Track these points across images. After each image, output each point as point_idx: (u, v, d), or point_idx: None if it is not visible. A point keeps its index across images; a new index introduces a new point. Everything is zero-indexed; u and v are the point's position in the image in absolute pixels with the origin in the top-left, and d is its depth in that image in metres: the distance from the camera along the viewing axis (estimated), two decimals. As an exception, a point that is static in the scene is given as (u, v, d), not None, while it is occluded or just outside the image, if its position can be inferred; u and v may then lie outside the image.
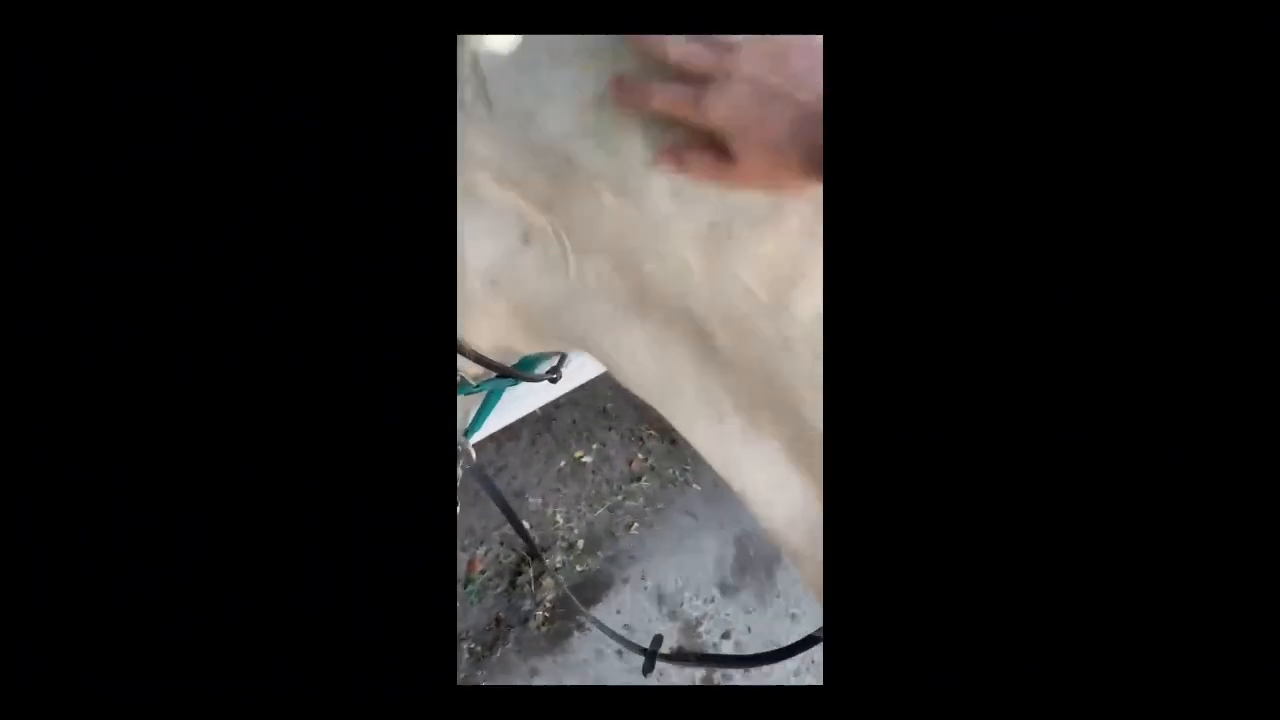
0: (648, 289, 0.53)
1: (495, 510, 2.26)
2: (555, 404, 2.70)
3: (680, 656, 0.82)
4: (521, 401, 1.50)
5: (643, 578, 2.13)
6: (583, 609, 0.84)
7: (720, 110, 0.42)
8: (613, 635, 0.84)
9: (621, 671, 1.87)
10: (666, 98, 0.45)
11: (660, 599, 2.09)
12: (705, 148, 0.45)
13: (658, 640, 0.83)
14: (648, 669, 0.80)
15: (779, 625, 2.02)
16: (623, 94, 0.46)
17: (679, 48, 0.44)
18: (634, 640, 0.84)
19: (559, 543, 2.22)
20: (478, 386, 0.68)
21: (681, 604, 2.08)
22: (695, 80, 0.43)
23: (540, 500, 2.40)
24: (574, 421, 2.83)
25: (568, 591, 0.93)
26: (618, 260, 0.53)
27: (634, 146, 0.48)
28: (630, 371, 0.58)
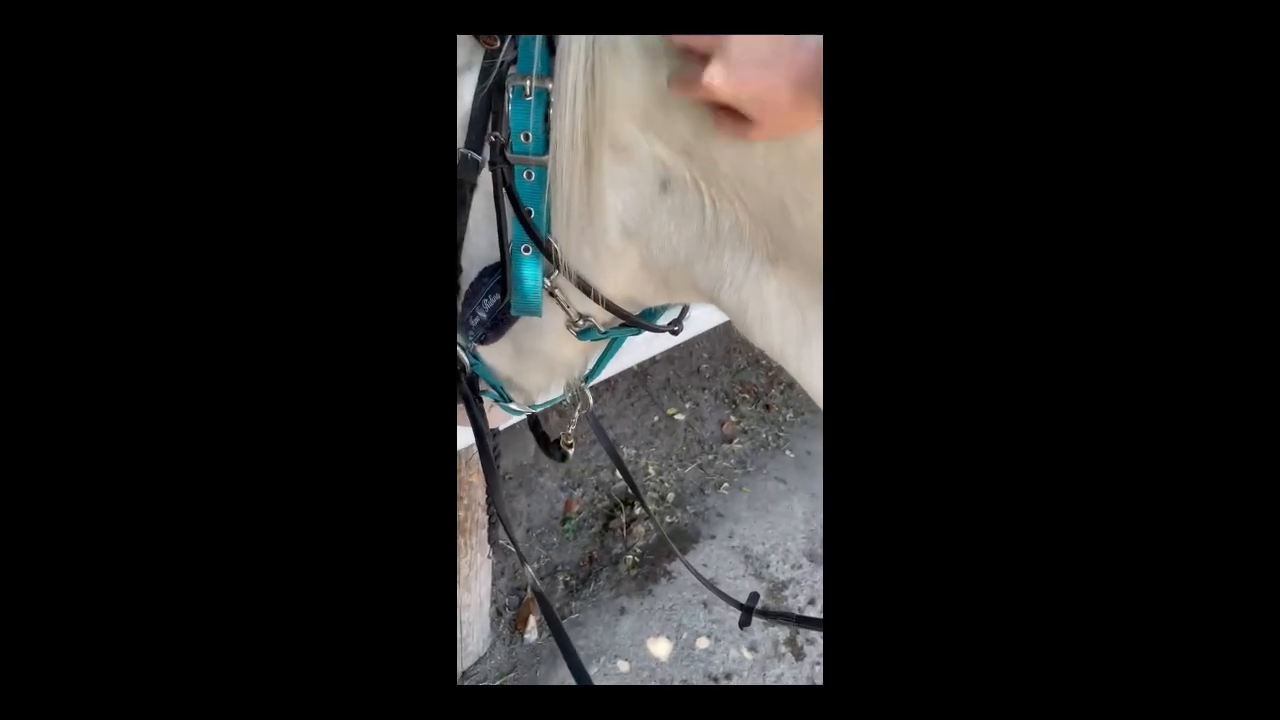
0: (788, 239, 0.52)
1: (592, 455, 2.35)
2: (652, 360, 2.74)
3: (775, 614, 0.84)
4: (622, 355, 1.54)
5: (730, 536, 2.16)
6: (679, 553, 0.86)
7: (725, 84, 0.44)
8: (710, 587, 0.87)
9: (705, 621, 1.92)
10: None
11: (747, 558, 2.12)
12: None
13: (754, 597, 0.85)
14: (745, 623, 0.82)
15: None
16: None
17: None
18: (724, 594, 0.87)
19: (649, 494, 2.28)
20: (605, 334, 0.70)
21: (769, 566, 2.10)
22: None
23: (634, 452, 2.46)
24: (668, 379, 2.87)
25: (665, 535, 0.95)
26: (758, 209, 0.51)
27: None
28: (758, 328, 0.56)
